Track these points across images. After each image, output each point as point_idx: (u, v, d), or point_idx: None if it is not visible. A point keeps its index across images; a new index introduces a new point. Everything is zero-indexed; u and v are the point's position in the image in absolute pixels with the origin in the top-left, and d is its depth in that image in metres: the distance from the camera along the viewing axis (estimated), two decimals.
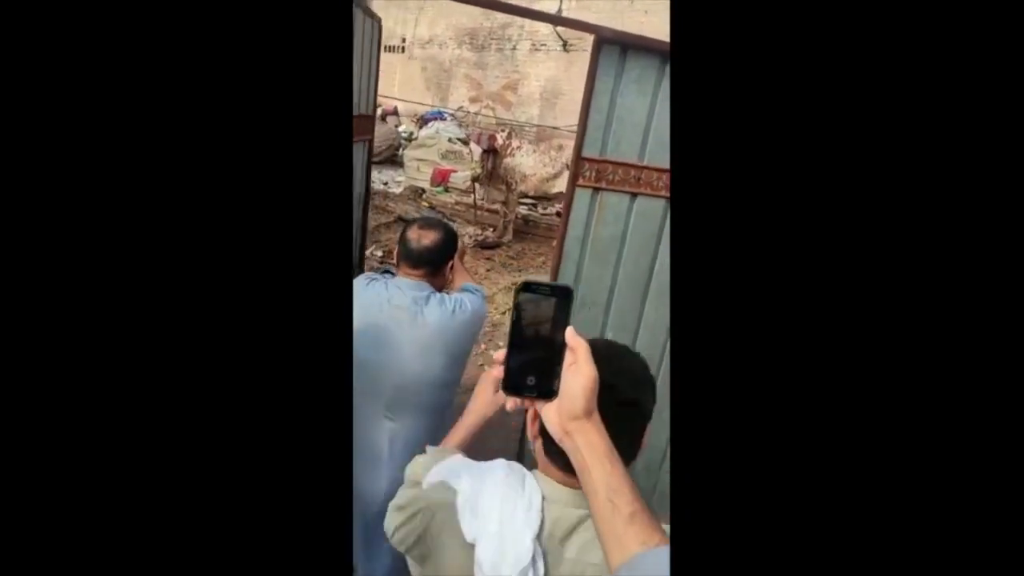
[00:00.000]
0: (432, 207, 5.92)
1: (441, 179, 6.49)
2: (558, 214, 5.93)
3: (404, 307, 1.11)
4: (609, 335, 1.72)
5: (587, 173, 1.49)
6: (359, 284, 1.17)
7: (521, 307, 0.50)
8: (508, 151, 5.17)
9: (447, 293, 1.20)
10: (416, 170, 6.81)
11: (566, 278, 1.60)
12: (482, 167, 5.13)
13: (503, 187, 5.27)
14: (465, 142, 5.43)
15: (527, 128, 7.16)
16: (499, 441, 2.45)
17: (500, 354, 0.51)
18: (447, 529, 0.62)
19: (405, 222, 5.30)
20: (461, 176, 6.18)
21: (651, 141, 1.51)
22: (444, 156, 6.64)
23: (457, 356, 1.16)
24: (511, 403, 0.51)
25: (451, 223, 1.34)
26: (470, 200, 5.79)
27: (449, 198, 6.24)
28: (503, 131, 5.45)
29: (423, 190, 6.47)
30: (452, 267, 1.24)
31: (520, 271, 4.67)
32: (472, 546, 0.58)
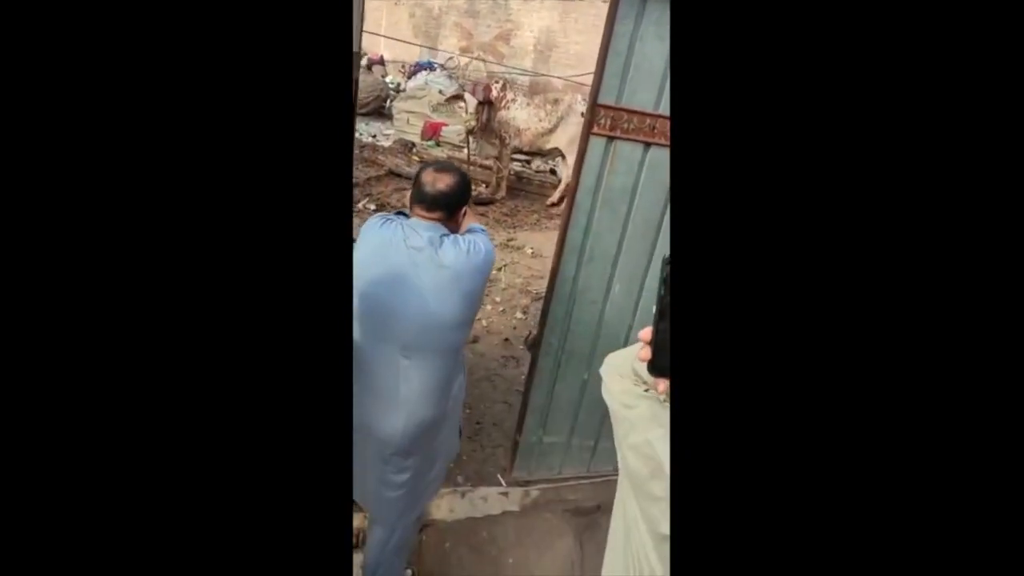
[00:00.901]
0: (423, 161, 5.79)
1: (432, 133, 6.32)
2: (552, 171, 5.84)
3: (421, 248, 1.11)
4: (616, 288, 1.73)
5: (602, 121, 1.46)
6: (374, 224, 1.15)
7: (670, 281, 0.44)
8: (503, 103, 5.04)
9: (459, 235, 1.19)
10: (406, 123, 6.61)
11: (577, 229, 1.60)
12: (476, 119, 5.00)
13: (496, 141, 5.16)
14: (460, 96, 5.26)
15: (519, 81, 6.97)
16: (499, 394, 2.50)
17: (646, 332, 0.47)
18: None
19: (396, 176, 5.22)
20: (453, 129, 6.02)
21: (667, 90, 1.47)
22: (435, 109, 6.45)
23: (472, 297, 1.17)
24: (663, 385, 0.47)
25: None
26: (462, 155, 5.66)
27: (441, 152, 6.09)
28: (497, 82, 5.27)
29: (413, 144, 6.31)
30: (464, 213, 1.23)
31: (515, 227, 4.63)
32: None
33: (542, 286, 3.59)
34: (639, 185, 1.59)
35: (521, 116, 5.05)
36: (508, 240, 4.26)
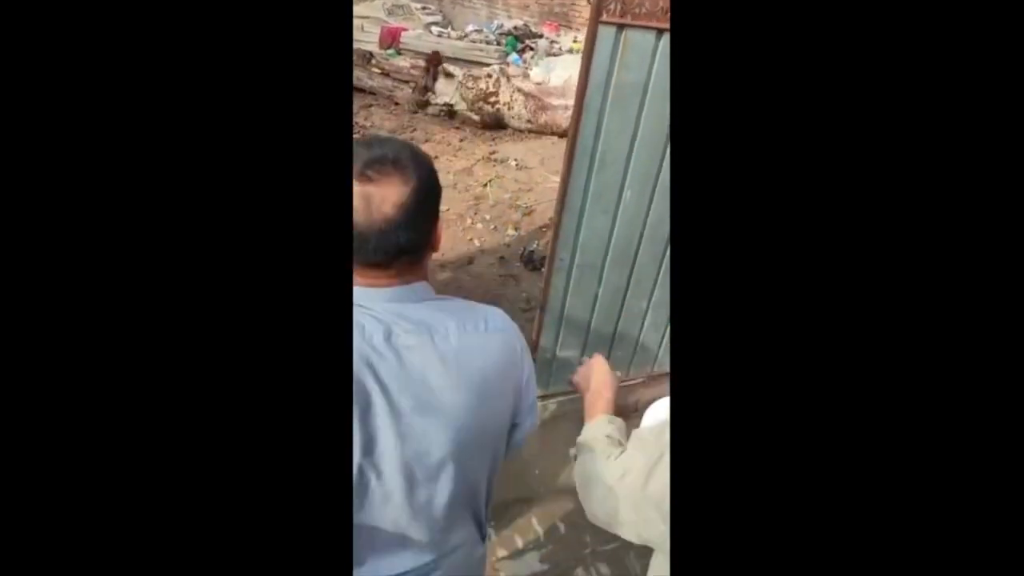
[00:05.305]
0: (385, 74, 5.33)
1: (391, 39, 5.80)
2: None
3: (411, 346, 0.63)
4: (628, 194, 1.64)
5: (612, 6, 1.30)
6: None
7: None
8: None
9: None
10: (360, 30, 6.03)
11: (587, 133, 1.48)
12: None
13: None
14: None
15: None
16: None
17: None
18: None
19: (360, 91, 4.80)
20: (414, 34, 5.53)
21: None
22: (391, 12, 5.88)
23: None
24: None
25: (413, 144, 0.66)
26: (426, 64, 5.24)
27: (404, 62, 5.61)
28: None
29: (371, 54, 5.79)
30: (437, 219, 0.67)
31: (494, 140, 4.41)
32: None
33: (531, 199, 3.48)
34: (651, 81, 1.45)
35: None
36: (490, 153, 4.06)
